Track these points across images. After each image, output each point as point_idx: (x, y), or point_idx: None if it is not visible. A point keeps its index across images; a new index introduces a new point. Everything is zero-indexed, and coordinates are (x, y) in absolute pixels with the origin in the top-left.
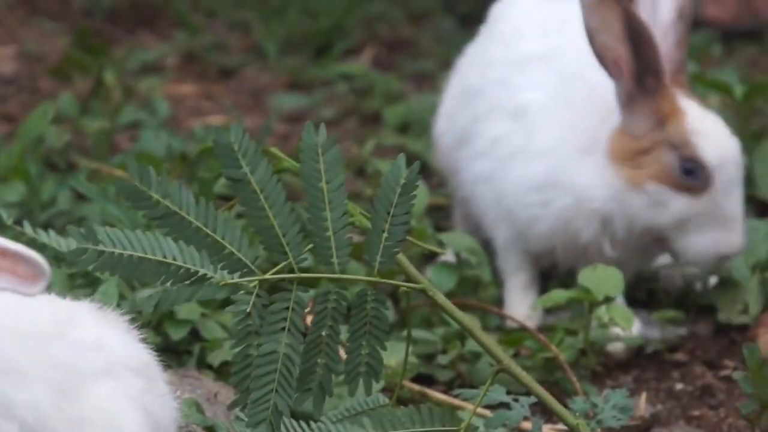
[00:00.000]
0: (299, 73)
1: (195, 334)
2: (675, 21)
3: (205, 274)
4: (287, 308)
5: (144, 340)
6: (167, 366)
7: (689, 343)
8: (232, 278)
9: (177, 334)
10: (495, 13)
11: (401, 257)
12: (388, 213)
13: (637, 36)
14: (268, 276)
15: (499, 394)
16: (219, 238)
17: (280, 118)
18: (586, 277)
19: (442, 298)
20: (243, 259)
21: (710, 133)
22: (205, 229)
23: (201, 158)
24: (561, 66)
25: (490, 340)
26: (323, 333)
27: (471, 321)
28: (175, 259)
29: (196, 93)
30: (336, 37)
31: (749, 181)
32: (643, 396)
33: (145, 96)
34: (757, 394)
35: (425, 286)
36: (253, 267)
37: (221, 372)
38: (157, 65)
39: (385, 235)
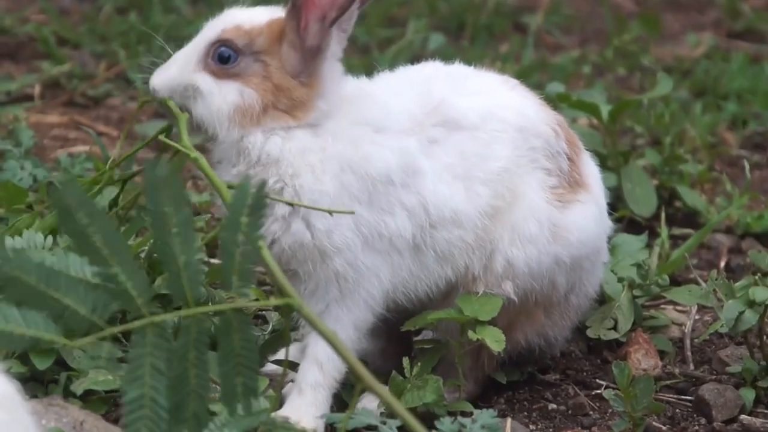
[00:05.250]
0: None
1: (62, 364)
2: None
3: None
4: (144, 353)
5: (8, 371)
6: (33, 396)
7: (562, 363)
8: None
9: (42, 364)
10: None
11: (274, 267)
12: (238, 235)
13: None
14: (113, 330)
15: (367, 417)
16: (61, 298)
17: (146, 146)
18: (463, 301)
19: (308, 311)
20: (87, 316)
21: None
22: (47, 291)
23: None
24: None
25: (355, 358)
26: (189, 365)
27: (337, 338)
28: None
29: (61, 122)
30: None
31: (619, 200)
32: (509, 421)
33: (9, 126)
34: (628, 412)
35: (290, 301)
36: (97, 320)
37: (87, 400)
38: (22, 95)
39: (238, 258)
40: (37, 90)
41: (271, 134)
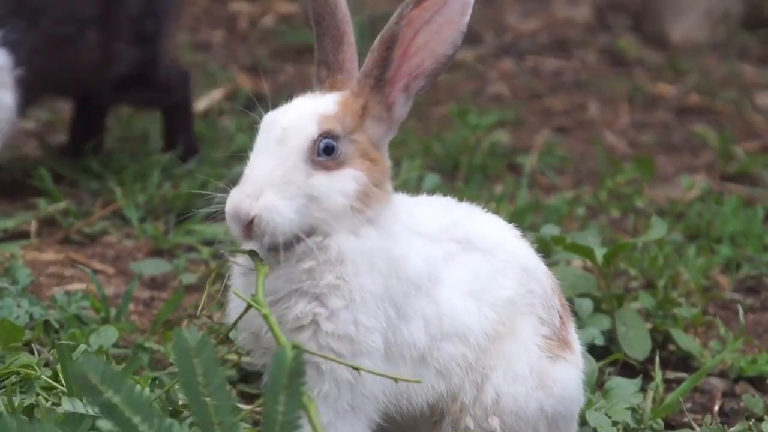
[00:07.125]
0: (161, 239)
1: None
2: None
3: None
4: None
5: None
6: None
7: None
8: None
9: None
10: None
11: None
12: (278, 402)
13: None
14: None
15: None
16: None
17: (142, 284)
18: None
19: None
20: None
21: None
22: None
23: (63, 326)
24: None
25: None
26: None
27: None
28: None
29: (57, 260)
30: (198, 202)
31: (613, 343)
32: None
33: (5, 264)
34: None
35: None
36: None
37: None
38: (18, 232)
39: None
40: (33, 227)
41: (351, 232)
